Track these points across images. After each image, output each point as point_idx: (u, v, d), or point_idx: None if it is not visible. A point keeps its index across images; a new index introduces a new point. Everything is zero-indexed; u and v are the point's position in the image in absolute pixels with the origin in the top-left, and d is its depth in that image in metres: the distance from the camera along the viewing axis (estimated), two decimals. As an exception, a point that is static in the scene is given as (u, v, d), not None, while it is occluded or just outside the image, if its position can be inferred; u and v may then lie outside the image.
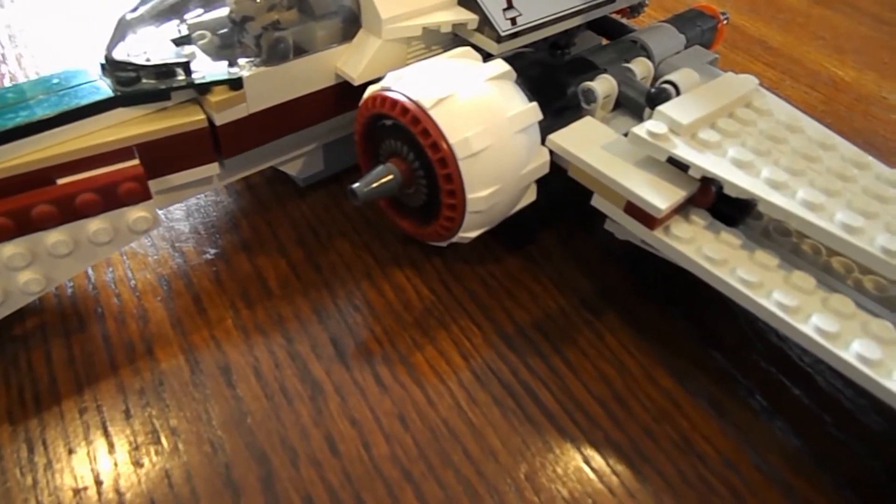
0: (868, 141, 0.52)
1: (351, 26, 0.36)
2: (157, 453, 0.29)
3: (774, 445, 0.31)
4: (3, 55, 0.52)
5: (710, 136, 0.33)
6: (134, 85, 0.31)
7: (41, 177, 0.30)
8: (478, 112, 0.32)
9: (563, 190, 0.35)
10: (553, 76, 0.37)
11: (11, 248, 0.30)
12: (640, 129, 0.33)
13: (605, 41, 0.47)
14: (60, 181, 0.30)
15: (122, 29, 0.32)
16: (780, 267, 0.31)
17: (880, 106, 0.56)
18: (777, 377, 0.34)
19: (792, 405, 0.33)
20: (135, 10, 0.32)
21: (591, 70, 0.38)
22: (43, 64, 0.52)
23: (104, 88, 0.31)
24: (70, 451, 0.29)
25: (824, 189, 0.31)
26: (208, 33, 0.35)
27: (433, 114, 0.31)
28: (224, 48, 0.35)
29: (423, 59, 0.35)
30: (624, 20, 0.48)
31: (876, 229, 0.30)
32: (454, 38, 0.38)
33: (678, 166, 0.33)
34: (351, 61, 0.36)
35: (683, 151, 0.32)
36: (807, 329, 0.29)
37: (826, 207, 0.30)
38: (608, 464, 0.30)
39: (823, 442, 0.32)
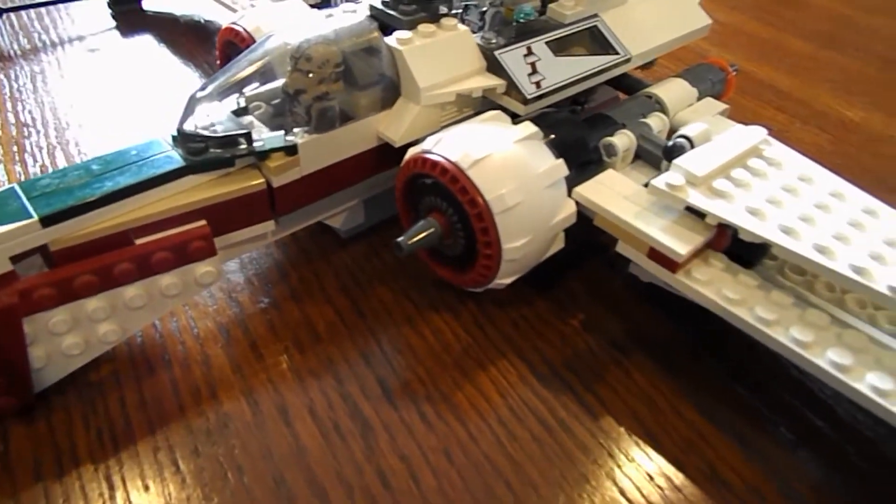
0: (878, 179, 0.54)
1: (391, 94, 0.40)
2: (225, 488, 0.32)
3: (800, 474, 0.33)
4: (67, 123, 0.57)
5: (725, 185, 0.36)
6: (202, 154, 0.35)
7: (122, 237, 0.33)
8: (510, 170, 0.35)
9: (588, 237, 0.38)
10: (576, 133, 0.40)
11: (95, 303, 0.33)
12: (660, 182, 0.36)
13: (620, 94, 0.50)
14: (138, 241, 0.34)
15: (192, 105, 0.35)
16: (795, 305, 0.33)
17: (889, 144, 0.58)
18: (800, 409, 0.36)
19: (815, 436, 0.35)
20: (203, 88, 0.36)
21: (611, 125, 0.41)
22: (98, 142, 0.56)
23: (176, 158, 0.35)
24: (146, 488, 0.32)
25: (833, 233, 0.34)
26: (263, 104, 0.39)
27: (470, 173, 0.34)
28: (276, 116, 0.39)
29: (456, 121, 0.39)
30: (637, 74, 0.51)
31: (884, 269, 0.32)
32: (484, 101, 0.41)
33: (696, 214, 0.36)
34: (392, 126, 0.39)
35: (700, 201, 0.35)
36: (822, 363, 0.31)
37: (835, 250, 0.33)
38: (642, 494, 0.32)
39: (847, 471, 0.33)
